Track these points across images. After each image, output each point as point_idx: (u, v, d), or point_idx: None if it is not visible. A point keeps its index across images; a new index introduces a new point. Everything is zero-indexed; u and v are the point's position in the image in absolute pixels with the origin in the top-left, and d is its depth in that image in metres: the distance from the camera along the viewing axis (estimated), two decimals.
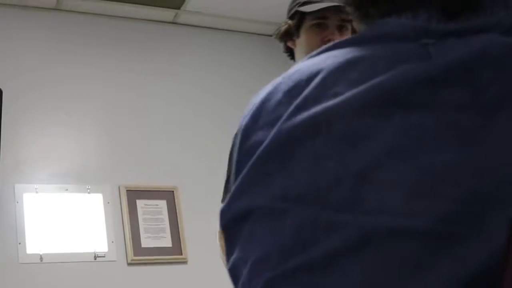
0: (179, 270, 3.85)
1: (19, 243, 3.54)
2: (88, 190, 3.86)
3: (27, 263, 3.52)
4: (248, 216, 0.61)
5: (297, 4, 2.03)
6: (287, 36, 2.07)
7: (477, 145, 0.52)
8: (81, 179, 3.87)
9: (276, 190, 0.59)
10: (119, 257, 3.76)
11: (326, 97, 0.60)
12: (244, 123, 0.67)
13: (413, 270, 0.51)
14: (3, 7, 4.04)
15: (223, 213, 0.64)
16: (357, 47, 0.63)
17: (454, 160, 0.52)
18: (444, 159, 0.52)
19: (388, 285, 0.52)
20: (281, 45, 2.15)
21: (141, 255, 3.80)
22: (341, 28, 2.00)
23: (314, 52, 0.67)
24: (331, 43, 0.67)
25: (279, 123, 0.61)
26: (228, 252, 0.65)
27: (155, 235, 3.91)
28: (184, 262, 3.90)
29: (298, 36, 2.03)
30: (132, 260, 3.77)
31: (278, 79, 0.67)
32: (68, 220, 3.72)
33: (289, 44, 2.08)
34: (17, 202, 3.65)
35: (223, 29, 4.63)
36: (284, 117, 0.61)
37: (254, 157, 0.62)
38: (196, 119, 4.32)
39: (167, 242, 3.92)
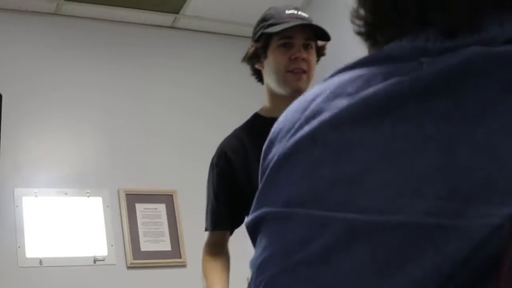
0: (178, 274, 3.86)
1: (19, 247, 3.55)
2: (88, 194, 3.87)
3: (27, 266, 3.53)
4: (261, 224, 0.68)
5: (262, 26, 2.09)
6: (255, 58, 2.13)
7: (459, 149, 0.56)
8: (80, 183, 3.88)
9: (282, 198, 0.66)
10: (118, 260, 3.77)
11: (325, 112, 0.66)
12: (264, 145, 0.75)
13: (399, 261, 0.55)
14: (2, 12, 4.06)
15: (247, 224, 0.72)
16: (360, 68, 0.68)
17: (437, 163, 0.56)
18: (427, 163, 0.57)
19: (377, 276, 0.56)
20: None
21: (140, 258, 3.81)
22: (306, 46, 2.07)
23: (327, 76, 0.73)
24: (340, 67, 0.72)
25: (285, 140, 0.69)
26: None
27: (154, 239, 3.92)
28: (183, 265, 3.91)
29: (265, 57, 2.10)
30: (131, 263, 3.78)
31: (295, 101, 0.75)
32: (67, 224, 3.73)
33: (257, 66, 2.14)
34: (17, 206, 3.66)
35: (221, 33, 4.65)
36: (290, 134, 0.69)
37: (266, 172, 0.70)
38: (195, 123, 4.33)
39: (166, 245, 3.93)
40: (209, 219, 2.19)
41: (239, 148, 2.14)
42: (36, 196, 3.73)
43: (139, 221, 3.93)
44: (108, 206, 3.89)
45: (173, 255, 3.92)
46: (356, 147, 0.61)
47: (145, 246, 3.87)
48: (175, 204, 4.05)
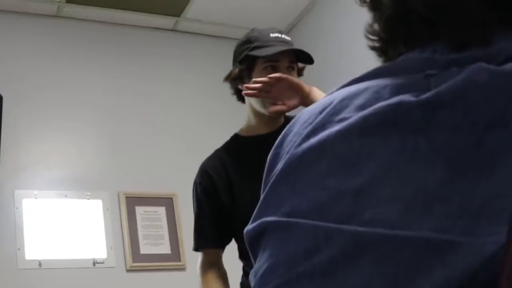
0: (177, 277, 3.86)
1: (18, 249, 3.55)
2: (88, 197, 3.87)
3: (26, 268, 3.53)
4: (263, 233, 0.68)
5: (247, 48, 2.12)
6: (239, 79, 2.16)
7: (468, 165, 0.56)
8: (80, 185, 3.88)
9: (286, 208, 0.65)
10: (118, 263, 3.77)
11: (333, 123, 0.66)
12: (269, 157, 0.75)
13: (408, 275, 0.54)
14: (4, 14, 4.06)
15: (246, 233, 0.71)
16: (368, 80, 0.69)
17: (446, 178, 0.56)
18: (437, 178, 0.57)
19: None
20: None
21: (139, 261, 3.81)
22: (290, 69, 2.11)
23: (334, 88, 0.74)
24: (349, 80, 0.73)
25: (291, 150, 0.69)
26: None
27: (154, 242, 3.92)
28: (182, 268, 3.91)
29: (249, 79, 2.12)
30: (130, 266, 3.77)
31: (300, 113, 0.75)
32: (67, 226, 3.73)
33: (241, 86, 2.17)
34: (17, 208, 3.66)
35: (222, 37, 4.66)
36: (296, 144, 0.68)
37: (270, 182, 0.70)
38: (195, 126, 4.33)
39: (165, 248, 3.93)
40: (196, 239, 2.24)
41: (220, 167, 2.18)
42: (36, 198, 3.73)
43: (139, 224, 3.93)
44: (108, 209, 3.89)
45: (173, 258, 3.91)
46: (364, 159, 0.61)
47: (144, 249, 3.87)
48: (175, 207, 4.05)
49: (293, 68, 2.12)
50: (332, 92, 0.73)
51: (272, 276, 0.63)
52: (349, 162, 0.62)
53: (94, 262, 3.70)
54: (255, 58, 2.10)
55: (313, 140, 0.66)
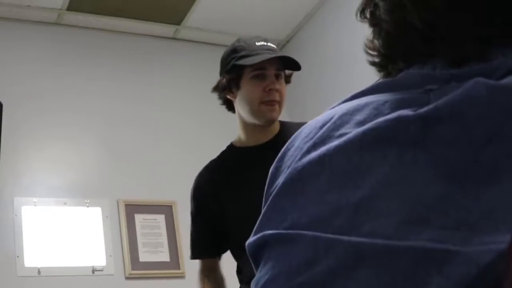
0: (176, 285, 3.85)
1: (17, 256, 3.55)
2: (87, 204, 3.87)
3: (25, 276, 3.52)
4: (265, 246, 0.68)
5: (233, 58, 2.14)
6: (227, 89, 2.18)
7: (466, 179, 0.56)
8: (80, 193, 3.88)
9: (287, 222, 0.66)
10: (117, 271, 3.77)
11: (333, 138, 0.67)
12: (270, 171, 0.76)
13: (405, 285, 0.55)
14: (4, 21, 4.07)
15: (248, 245, 0.72)
16: (368, 96, 0.70)
17: (444, 192, 0.57)
18: (434, 192, 0.57)
19: None
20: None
21: (139, 269, 3.80)
22: (277, 77, 2.12)
23: (336, 103, 0.75)
24: (349, 95, 0.74)
25: (292, 164, 0.70)
26: None
27: (153, 250, 3.91)
28: (182, 276, 3.90)
29: (238, 88, 2.15)
30: (130, 274, 3.77)
31: (302, 128, 0.76)
32: (66, 233, 3.73)
33: (229, 96, 2.19)
34: (16, 215, 3.66)
35: (222, 45, 4.66)
36: (297, 158, 0.70)
37: (272, 195, 0.71)
38: (196, 133, 4.34)
39: (165, 256, 3.93)
40: (192, 248, 2.29)
41: (209, 181, 2.22)
42: (35, 205, 3.73)
43: (138, 231, 3.93)
44: (107, 216, 3.89)
45: (172, 266, 3.91)
46: (363, 173, 0.62)
47: (144, 257, 3.86)
48: (174, 215, 4.05)
49: (280, 76, 2.13)
50: (334, 107, 0.74)
51: (272, 287, 0.64)
52: (348, 177, 0.63)
53: (93, 270, 3.70)
54: (242, 67, 2.10)
55: (314, 154, 0.67)
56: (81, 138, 4.02)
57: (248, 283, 1.97)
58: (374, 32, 0.74)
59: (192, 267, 3.93)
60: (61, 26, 4.26)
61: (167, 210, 4.06)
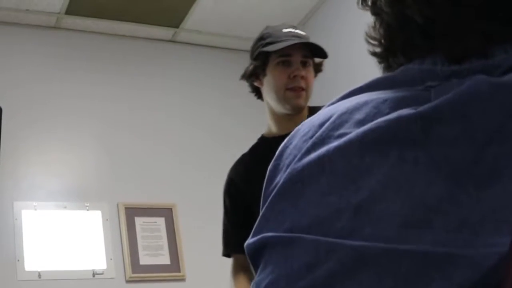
0: None
1: (18, 260, 3.55)
2: (87, 208, 3.87)
3: (26, 280, 3.52)
4: (264, 248, 0.68)
5: (260, 45, 2.13)
6: (254, 76, 2.16)
7: (467, 179, 0.56)
8: (79, 196, 3.88)
9: (287, 224, 0.66)
10: (117, 274, 3.76)
11: (332, 138, 0.66)
12: (268, 169, 0.75)
13: None
14: (3, 25, 4.07)
15: (247, 246, 0.71)
16: (367, 93, 0.69)
17: (445, 193, 0.56)
18: (435, 192, 0.56)
19: None
20: None
21: (139, 272, 3.80)
22: (304, 64, 2.10)
23: (334, 99, 0.74)
24: (347, 91, 0.73)
25: (291, 165, 0.68)
26: None
27: (154, 253, 3.91)
28: (182, 279, 3.90)
29: (264, 75, 2.13)
30: (130, 277, 3.77)
31: (300, 125, 0.75)
32: (66, 237, 3.73)
33: (256, 83, 2.18)
34: (16, 219, 3.66)
35: (221, 47, 4.67)
36: (296, 159, 0.68)
37: (270, 197, 0.69)
38: (195, 137, 4.34)
39: (165, 259, 3.92)
40: (224, 244, 2.24)
41: (243, 173, 2.18)
42: (35, 209, 3.73)
43: (138, 234, 3.92)
44: (107, 220, 3.88)
45: (172, 269, 3.91)
46: (363, 175, 0.61)
47: (144, 260, 3.86)
48: (174, 218, 4.05)
49: (308, 64, 2.10)
50: (332, 103, 0.73)
51: None
52: (348, 178, 0.62)
53: (94, 273, 3.70)
54: (268, 54, 2.09)
55: (313, 155, 0.66)
56: (81, 142, 4.02)
57: None
58: (375, 20, 0.73)
59: (193, 270, 3.95)
60: (60, 30, 4.26)
61: (167, 212, 4.05)
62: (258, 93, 2.22)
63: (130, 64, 4.38)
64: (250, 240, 0.71)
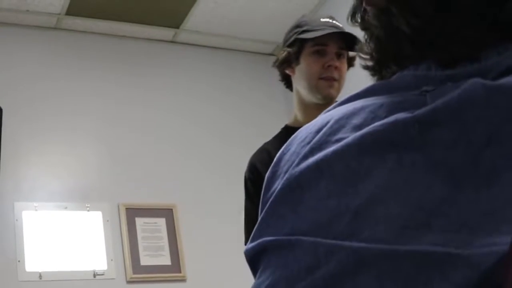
0: None
1: (18, 261, 3.55)
2: (88, 208, 3.87)
3: (26, 280, 3.52)
4: (263, 252, 0.68)
5: (296, 32, 2.09)
6: (286, 63, 2.12)
7: (465, 182, 0.56)
8: (80, 197, 3.88)
9: (286, 229, 0.66)
10: (118, 275, 3.77)
11: (330, 143, 0.66)
12: (266, 175, 0.75)
13: None
14: (4, 26, 4.07)
15: (246, 252, 0.71)
16: (364, 98, 0.70)
17: (443, 195, 0.56)
18: (434, 195, 0.57)
19: None
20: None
21: (140, 273, 3.80)
22: (339, 56, 2.07)
23: (330, 107, 0.75)
24: (344, 98, 0.73)
25: (289, 170, 0.69)
26: None
27: (154, 253, 3.91)
28: (183, 280, 3.90)
29: (298, 63, 2.09)
30: (131, 278, 3.77)
31: (297, 132, 0.75)
32: (67, 238, 3.73)
33: (288, 71, 2.14)
34: (17, 220, 3.66)
35: (221, 48, 4.67)
36: (294, 164, 0.69)
37: (269, 202, 0.70)
38: (196, 137, 4.34)
39: (166, 260, 3.93)
40: (246, 235, 2.14)
41: (267, 160, 2.12)
42: (36, 210, 3.73)
43: (139, 235, 3.92)
44: (108, 220, 3.89)
45: (173, 270, 3.91)
46: (361, 179, 0.61)
47: (145, 261, 3.86)
48: (175, 218, 4.05)
49: (342, 55, 2.08)
50: (329, 110, 0.74)
51: None
52: (347, 182, 0.62)
53: (95, 274, 3.70)
54: (304, 41, 2.06)
55: (311, 160, 0.66)
56: (81, 142, 4.02)
57: None
58: (366, 35, 0.74)
59: (193, 270, 3.95)
60: (60, 31, 4.26)
61: (167, 213, 4.06)
62: (287, 81, 2.18)
63: (130, 64, 4.38)
64: (249, 245, 0.70)
